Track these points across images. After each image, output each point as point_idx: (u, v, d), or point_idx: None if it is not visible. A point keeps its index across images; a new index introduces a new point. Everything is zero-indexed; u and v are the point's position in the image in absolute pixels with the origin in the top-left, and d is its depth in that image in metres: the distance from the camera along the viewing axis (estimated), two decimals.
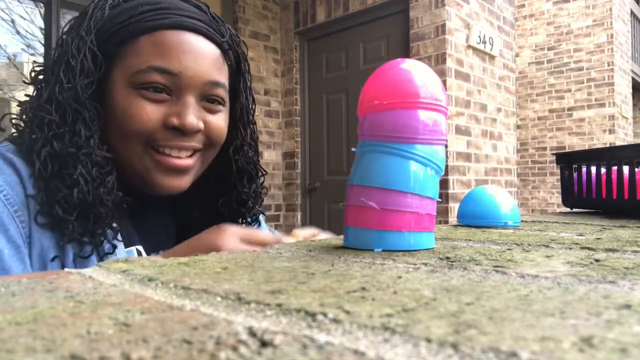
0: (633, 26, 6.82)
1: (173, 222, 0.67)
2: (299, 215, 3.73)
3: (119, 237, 0.57)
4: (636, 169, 0.71)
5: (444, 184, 2.68)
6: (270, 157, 3.82)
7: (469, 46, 3.27)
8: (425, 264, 0.25)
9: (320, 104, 3.83)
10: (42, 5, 3.06)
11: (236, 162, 0.66)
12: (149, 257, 0.29)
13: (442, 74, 3.12)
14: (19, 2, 3.22)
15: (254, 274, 0.23)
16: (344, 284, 0.20)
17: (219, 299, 0.18)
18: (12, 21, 3.29)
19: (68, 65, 0.54)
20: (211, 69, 0.58)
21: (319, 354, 0.12)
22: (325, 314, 0.16)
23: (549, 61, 6.15)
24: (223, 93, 0.60)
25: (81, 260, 0.53)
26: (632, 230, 0.41)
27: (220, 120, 0.61)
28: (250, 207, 0.68)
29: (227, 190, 0.67)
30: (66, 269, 0.26)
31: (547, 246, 0.31)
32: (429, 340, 0.13)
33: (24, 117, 0.56)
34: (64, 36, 0.58)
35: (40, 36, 3.15)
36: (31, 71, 0.58)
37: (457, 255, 0.28)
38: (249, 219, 0.68)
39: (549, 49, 6.14)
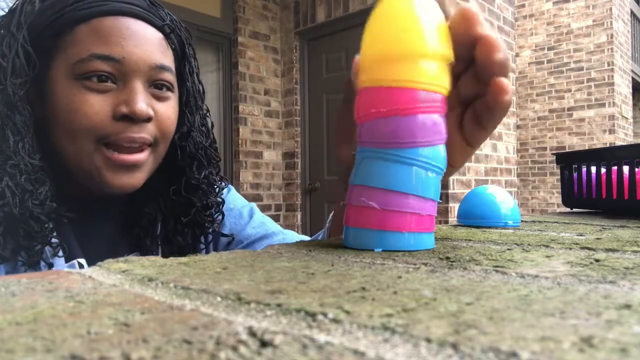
0: (633, 26, 6.82)
1: (122, 226, 0.63)
2: (299, 215, 3.73)
3: (60, 252, 0.53)
4: (636, 169, 0.71)
5: (444, 184, 2.68)
6: (270, 157, 3.82)
7: None
8: (425, 264, 0.25)
9: (320, 104, 3.82)
10: None
11: (183, 148, 0.63)
12: (149, 257, 0.29)
13: None
14: None
15: (254, 274, 0.23)
16: (344, 284, 0.20)
17: (219, 299, 0.18)
18: None
19: None
20: (155, 52, 0.56)
21: (319, 354, 0.12)
22: (325, 314, 0.16)
23: (549, 61, 6.15)
24: (170, 77, 0.58)
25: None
26: (632, 230, 0.41)
27: (169, 109, 0.58)
28: (201, 195, 0.64)
29: (176, 178, 0.63)
30: (66, 269, 0.26)
31: (547, 246, 0.31)
32: (429, 340, 0.13)
33: None
34: None
35: None
36: None
37: (457, 255, 0.28)
38: (203, 209, 0.64)
39: (549, 49, 6.13)
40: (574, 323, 0.14)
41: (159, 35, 0.57)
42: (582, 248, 0.29)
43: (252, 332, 0.14)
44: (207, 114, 0.69)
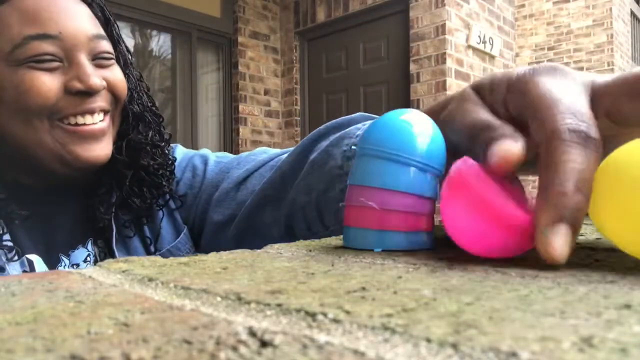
0: (633, 26, 6.82)
1: (79, 211, 0.61)
2: None
3: (10, 254, 0.52)
4: None
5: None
6: None
7: (469, 46, 3.27)
8: (425, 264, 0.25)
9: (320, 104, 3.83)
10: None
11: (132, 110, 0.61)
12: (148, 257, 0.29)
13: (442, 74, 3.12)
14: None
15: (254, 274, 0.23)
16: (344, 284, 0.20)
17: (219, 299, 0.18)
18: None
19: None
20: (87, 23, 0.54)
21: (319, 354, 0.12)
22: (325, 314, 0.16)
23: (549, 61, 6.14)
24: (108, 46, 0.56)
25: None
26: None
27: (117, 73, 0.57)
28: (148, 155, 0.61)
29: (118, 143, 0.60)
30: (66, 269, 0.26)
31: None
32: (429, 340, 0.13)
33: None
34: None
35: None
36: None
37: (457, 255, 0.28)
38: (154, 169, 0.62)
39: (549, 49, 6.13)
40: (574, 323, 0.14)
41: (84, 6, 0.56)
42: (582, 248, 0.29)
43: (252, 332, 0.14)
44: (141, 78, 0.68)
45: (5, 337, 0.14)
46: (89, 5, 0.57)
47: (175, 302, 0.18)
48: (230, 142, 3.74)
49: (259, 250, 0.32)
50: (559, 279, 0.21)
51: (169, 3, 3.19)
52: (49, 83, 0.50)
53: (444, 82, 3.05)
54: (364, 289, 0.19)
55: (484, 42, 3.27)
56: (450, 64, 3.06)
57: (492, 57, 3.38)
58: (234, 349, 0.13)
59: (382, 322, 0.15)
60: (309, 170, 0.54)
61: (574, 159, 0.24)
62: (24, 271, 0.52)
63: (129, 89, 0.61)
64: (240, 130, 3.68)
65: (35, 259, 0.55)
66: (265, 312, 0.16)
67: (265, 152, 0.66)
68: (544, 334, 0.13)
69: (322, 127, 0.57)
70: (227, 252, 0.31)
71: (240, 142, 3.68)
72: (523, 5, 6.34)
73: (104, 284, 0.22)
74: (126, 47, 0.64)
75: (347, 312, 0.16)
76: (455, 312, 0.16)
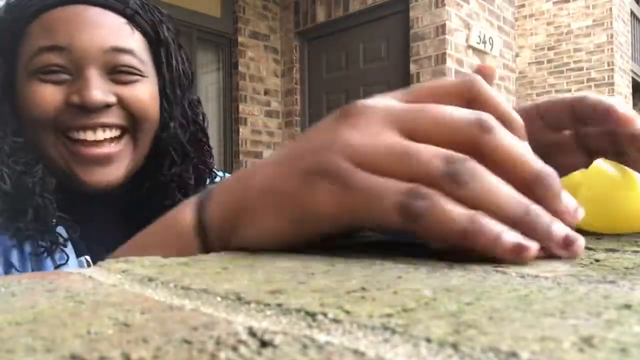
0: (633, 26, 6.82)
1: (125, 224, 0.61)
2: None
3: (69, 245, 0.53)
4: None
5: None
6: None
7: (469, 46, 3.27)
8: (425, 264, 0.25)
9: (320, 104, 3.82)
10: None
11: (160, 140, 0.58)
12: (149, 257, 0.29)
13: (442, 74, 3.12)
14: None
15: (254, 274, 0.23)
16: (344, 284, 0.20)
17: (219, 299, 0.18)
18: None
19: None
20: (111, 36, 0.53)
21: (319, 354, 0.12)
22: (325, 314, 0.16)
23: (549, 61, 6.15)
24: (134, 61, 0.54)
25: (36, 261, 0.49)
26: None
27: (138, 92, 0.54)
28: (170, 193, 0.58)
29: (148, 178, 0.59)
30: (66, 269, 0.26)
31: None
32: (429, 340, 0.13)
33: None
34: None
35: None
36: None
37: (457, 255, 0.28)
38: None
39: (549, 49, 6.13)
40: (574, 323, 0.14)
41: (120, 19, 0.54)
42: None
43: (252, 332, 0.14)
44: (196, 103, 0.64)
45: (5, 337, 0.14)
46: (130, 18, 0.55)
47: (175, 302, 0.18)
48: (230, 142, 3.74)
49: (259, 250, 0.32)
50: (559, 279, 0.21)
51: (169, 3, 3.19)
52: (50, 95, 0.51)
53: None
54: (364, 289, 0.19)
55: (484, 42, 3.27)
56: (450, 64, 3.06)
57: (492, 57, 3.38)
58: (234, 349, 0.13)
59: (382, 322, 0.15)
60: None
61: None
62: None
63: (163, 118, 0.58)
64: (240, 130, 3.68)
65: (89, 260, 0.56)
66: (265, 312, 0.16)
67: None
68: (544, 334, 0.13)
69: None
70: (227, 252, 0.31)
71: (240, 142, 3.68)
72: (523, 5, 6.33)
73: (104, 284, 0.22)
74: (180, 74, 0.61)
75: (347, 312, 0.16)
76: (455, 312, 0.16)
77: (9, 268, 0.49)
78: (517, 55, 5.90)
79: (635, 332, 0.13)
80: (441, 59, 3.06)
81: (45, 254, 0.51)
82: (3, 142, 0.51)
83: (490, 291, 0.19)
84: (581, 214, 0.25)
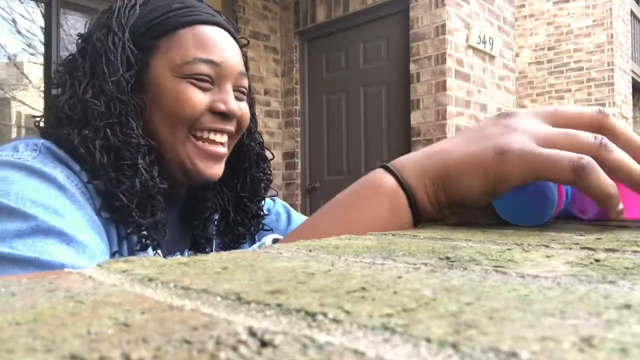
0: (633, 26, 6.82)
1: (184, 220, 0.70)
2: None
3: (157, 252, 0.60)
4: None
5: None
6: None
7: (469, 46, 3.26)
8: (425, 264, 0.25)
9: (320, 104, 3.82)
10: (42, 4, 3.05)
11: (251, 147, 0.73)
12: (149, 257, 0.29)
13: (442, 74, 3.12)
14: (20, 1, 3.22)
15: (254, 274, 0.23)
16: (344, 284, 0.20)
17: (219, 299, 0.18)
18: (14, 20, 3.29)
19: (108, 60, 0.58)
20: (239, 60, 0.65)
21: (319, 354, 0.12)
22: (325, 314, 0.16)
23: (549, 61, 6.15)
24: (247, 83, 0.67)
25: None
26: (632, 230, 0.41)
27: (244, 108, 0.67)
28: (262, 189, 0.74)
29: (239, 176, 0.73)
30: (66, 269, 0.26)
31: (547, 246, 0.31)
32: (429, 340, 0.13)
33: (59, 114, 0.57)
34: (92, 33, 0.61)
35: (41, 35, 3.15)
36: (55, 71, 0.63)
37: (457, 255, 0.28)
38: (255, 206, 0.73)
39: (549, 49, 6.13)
40: (574, 323, 0.14)
41: (237, 45, 0.67)
42: (582, 248, 0.29)
43: (252, 332, 0.14)
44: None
45: (5, 337, 0.14)
46: (240, 46, 0.68)
47: (175, 302, 0.18)
48: None
49: (258, 250, 0.32)
50: (559, 279, 0.21)
51: None
52: (201, 99, 0.60)
53: (444, 82, 3.05)
54: (364, 289, 0.19)
55: (484, 42, 3.27)
56: (450, 64, 3.06)
57: (492, 57, 3.37)
58: (234, 349, 0.13)
59: (382, 322, 0.15)
60: None
61: None
62: None
63: (251, 127, 0.72)
64: None
65: (160, 254, 0.63)
66: (265, 312, 0.16)
67: None
68: (544, 334, 0.13)
69: None
70: (227, 252, 0.31)
71: None
72: (523, 5, 6.33)
73: (104, 284, 0.22)
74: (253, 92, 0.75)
75: (347, 312, 0.16)
76: (455, 312, 0.16)
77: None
78: (517, 55, 5.90)
79: (635, 332, 0.13)
80: (441, 58, 3.06)
81: (148, 249, 0.57)
82: (140, 141, 0.57)
83: (490, 291, 0.19)
84: None
